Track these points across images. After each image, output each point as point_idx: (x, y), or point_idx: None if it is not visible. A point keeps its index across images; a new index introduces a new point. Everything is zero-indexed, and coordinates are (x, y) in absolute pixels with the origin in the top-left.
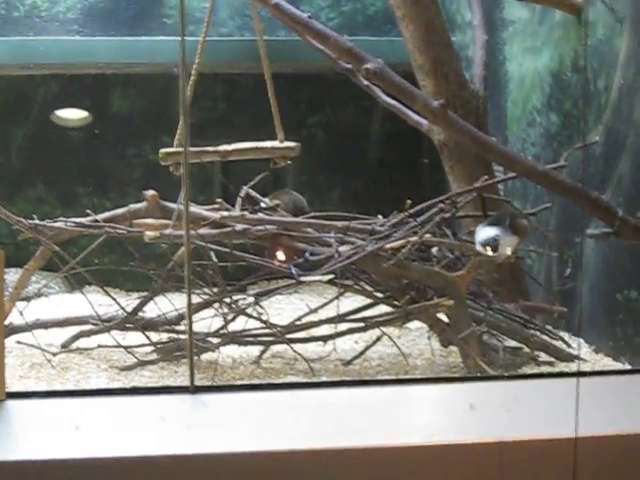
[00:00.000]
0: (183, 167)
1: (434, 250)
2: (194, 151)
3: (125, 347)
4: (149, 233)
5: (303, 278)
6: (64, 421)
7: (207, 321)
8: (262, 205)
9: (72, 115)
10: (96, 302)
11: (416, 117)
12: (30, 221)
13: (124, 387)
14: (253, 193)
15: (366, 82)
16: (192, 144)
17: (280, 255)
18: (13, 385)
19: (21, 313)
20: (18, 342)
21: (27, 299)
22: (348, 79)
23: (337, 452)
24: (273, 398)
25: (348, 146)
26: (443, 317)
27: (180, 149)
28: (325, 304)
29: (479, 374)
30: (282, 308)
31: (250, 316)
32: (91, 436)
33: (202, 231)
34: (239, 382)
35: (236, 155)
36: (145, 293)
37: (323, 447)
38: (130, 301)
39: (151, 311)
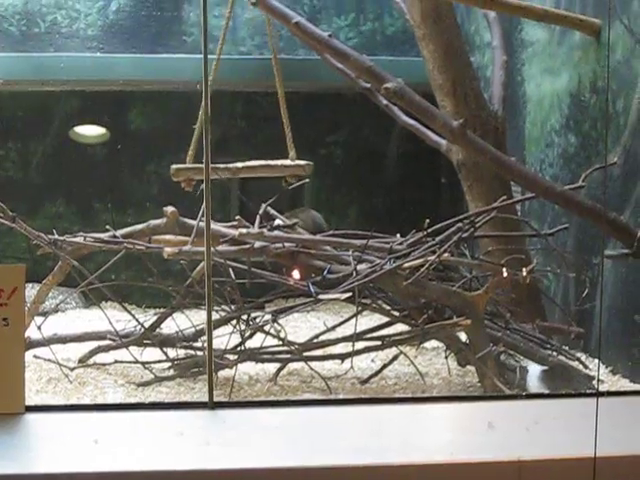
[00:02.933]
0: (205, 184)
1: None
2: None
3: (142, 363)
4: (168, 249)
5: (321, 296)
6: (83, 435)
7: (224, 338)
8: (279, 222)
9: (90, 132)
10: (113, 318)
11: (435, 137)
12: (50, 236)
13: (142, 402)
14: (272, 211)
15: (385, 101)
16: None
17: (297, 273)
18: (31, 399)
19: (39, 328)
20: (35, 356)
21: (45, 314)
22: (367, 98)
23: (355, 469)
24: (291, 415)
25: (366, 165)
26: (461, 336)
27: (191, 165)
28: (342, 322)
29: (497, 394)
30: (299, 326)
31: (268, 333)
32: (109, 450)
33: (221, 248)
34: (257, 399)
35: (246, 172)
36: (162, 309)
37: (340, 464)
38: (148, 317)
39: (169, 327)
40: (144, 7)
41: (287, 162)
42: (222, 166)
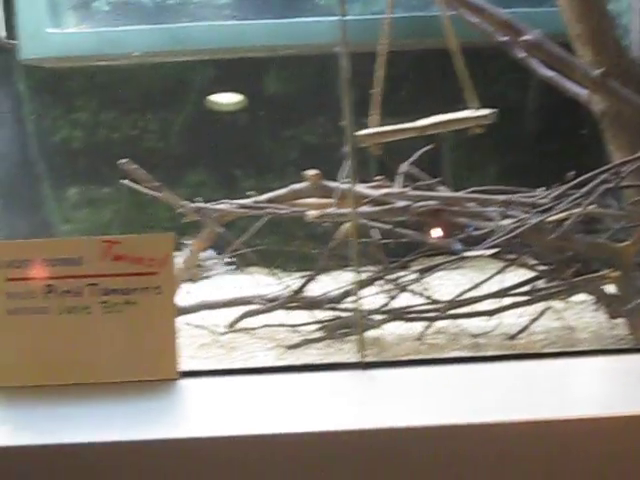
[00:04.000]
0: (348, 144)
1: None
2: (392, 129)
3: (290, 325)
4: (311, 212)
5: (466, 253)
6: (237, 399)
7: (370, 298)
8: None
9: (227, 99)
10: (260, 282)
11: (575, 88)
12: (194, 204)
13: (294, 364)
14: (413, 170)
15: (523, 54)
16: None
17: (440, 231)
18: (183, 365)
19: (188, 294)
20: (187, 323)
21: (192, 280)
22: (502, 52)
23: (506, 425)
24: (440, 373)
25: (504, 120)
26: (610, 289)
27: (375, 130)
28: (488, 278)
29: None
30: (443, 284)
31: (414, 292)
32: (265, 413)
33: (363, 209)
34: (404, 358)
35: (433, 129)
36: (307, 273)
37: (492, 421)
38: (293, 280)
39: (314, 290)
40: None
41: (472, 113)
42: (407, 126)
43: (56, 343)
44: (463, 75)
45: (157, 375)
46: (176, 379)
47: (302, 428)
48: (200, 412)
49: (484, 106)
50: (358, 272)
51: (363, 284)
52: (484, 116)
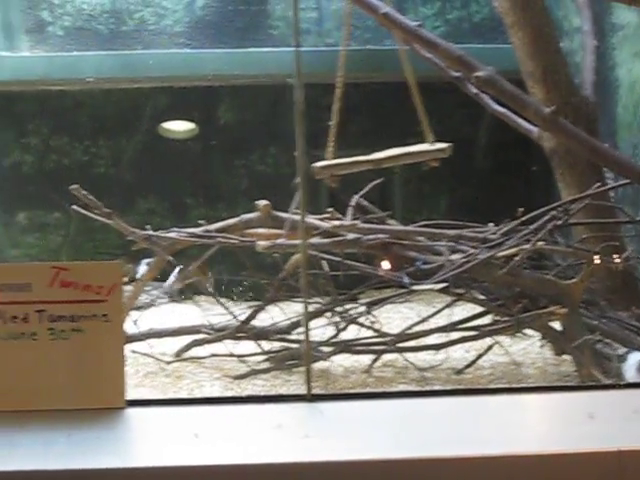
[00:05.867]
0: (299, 176)
1: None
2: (347, 162)
3: (238, 356)
4: (262, 243)
5: (415, 287)
6: (183, 429)
7: (319, 330)
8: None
9: (179, 127)
10: (207, 312)
11: (526, 124)
12: (144, 232)
13: (240, 395)
14: (364, 202)
15: (475, 90)
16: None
17: (388, 264)
18: (129, 393)
19: (135, 322)
20: (133, 351)
21: (139, 308)
22: (455, 87)
23: (451, 460)
24: (388, 406)
25: (455, 154)
26: (556, 326)
27: (333, 162)
28: (436, 312)
29: (594, 383)
30: (390, 317)
31: (362, 325)
32: (210, 444)
33: (314, 240)
34: (352, 391)
35: (389, 162)
36: (254, 302)
37: (438, 455)
38: (241, 310)
39: (263, 320)
40: (230, 2)
41: (427, 147)
42: (363, 158)
43: (1, 369)
44: (419, 108)
45: (104, 403)
46: (123, 407)
47: (247, 460)
48: (145, 442)
49: (436, 140)
50: (307, 304)
51: (312, 316)
52: (441, 150)
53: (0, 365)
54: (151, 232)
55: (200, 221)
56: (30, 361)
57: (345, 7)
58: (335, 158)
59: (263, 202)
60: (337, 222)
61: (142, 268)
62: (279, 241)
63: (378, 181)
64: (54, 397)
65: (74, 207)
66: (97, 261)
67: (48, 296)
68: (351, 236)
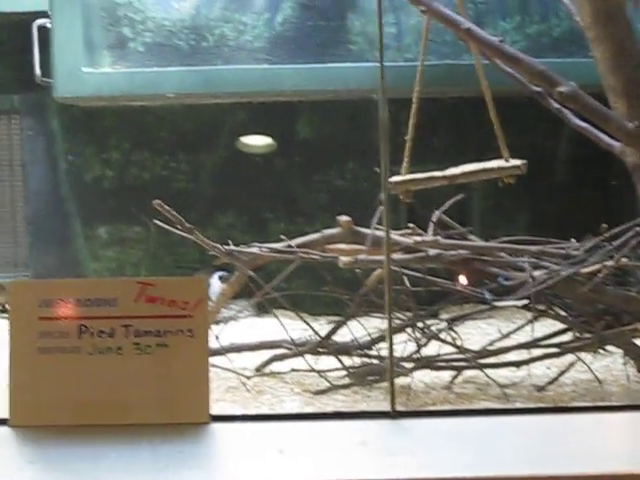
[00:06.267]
0: (383, 192)
1: None
2: (422, 177)
3: (318, 371)
4: (344, 259)
5: (497, 303)
6: (267, 444)
7: (400, 345)
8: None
9: (257, 142)
10: (287, 327)
11: (608, 139)
12: (226, 247)
13: (325, 412)
14: (444, 217)
15: (557, 105)
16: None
17: (466, 280)
18: (210, 408)
19: (217, 337)
20: (214, 366)
21: (217, 322)
22: (536, 102)
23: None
24: (472, 424)
25: (535, 169)
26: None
27: (408, 177)
28: (517, 329)
29: None
30: (470, 332)
31: (444, 341)
32: (294, 460)
33: (396, 256)
34: (432, 407)
35: (464, 178)
36: (332, 317)
37: (523, 475)
38: (320, 325)
39: (343, 336)
40: (309, 17)
41: (502, 163)
42: (438, 174)
43: (87, 383)
44: (496, 124)
45: (188, 418)
46: (207, 423)
47: (332, 476)
48: (229, 457)
49: (515, 155)
50: (391, 319)
51: (393, 331)
52: (516, 166)
53: (87, 379)
54: (233, 247)
55: (281, 236)
56: (116, 375)
57: (425, 22)
58: (410, 173)
59: (345, 218)
60: (419, 238)
61: (214, 282)
62: (360, 257)
63: (459, 197)
64: (139, 412)
65: (156, 222)
66: (178, 276)
67: (134, 311)
68: (433, 252)
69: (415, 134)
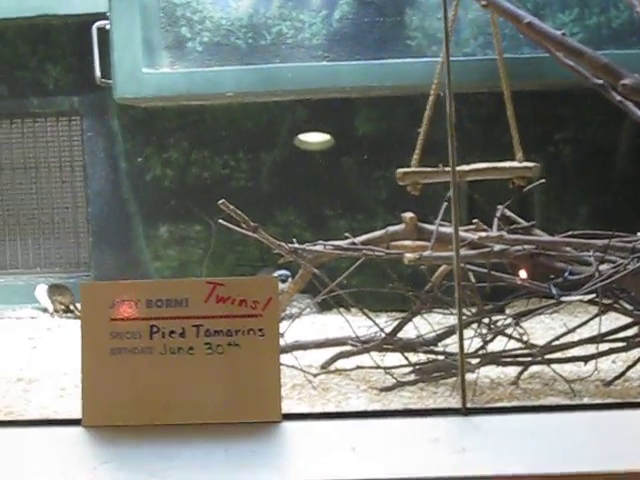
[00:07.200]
0: (452, 188)
1: None
2: (429, 171)
3: (384, 368)
4: (409, 255)
5: (564, 298)
6: (339, 442)
7: (466, 341)
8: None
9: (315, 139)
10: (352, 324)
11: None
12: (290, 245)
13: (395, 409)
14: (508, 212)
15: (619, 97)
16: (431, 164)
17: (524, 274)
18: None
19: (282, 335)
20: (280, 364)
21: (281, 320)
22: (596, 95)
23: (607, 476)
24: (543, 420)
25: (597, 162)
26: None
27: (417, 169)
28: (583, 323)
29: None
30: (533, 327)
31: (510, 337)
32: (367, 458)
33: (462, 252)
34: (499, 403)
35: (473, 175)
36: (393, 314)
37: (596, 471)
38: (384, 322)
39: (406, 332)
40: (367, 14)
41: (514, 164)
42: (447, 169)
43: (159, 383)
44: (512, 122)
45: (260, 417)
46: (279, 421)
47: (406, 474)
48: (302, 455)
49: (576, 148)
50: (461, 316)
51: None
52: (528, 168)
53: (159, 379)
54: (297, 245)
55: (346, 234)
56: (188, 375)
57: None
58: (418, 166)
59: (409, 214)
60: (483, 233)
61: None
62: (426, 253)
63: (521, 192)
64: (211, 411)
65: (220, 221)
66: (239, 275)
67: (204, 311)
68: (498, 247)
69: (428, 128)
